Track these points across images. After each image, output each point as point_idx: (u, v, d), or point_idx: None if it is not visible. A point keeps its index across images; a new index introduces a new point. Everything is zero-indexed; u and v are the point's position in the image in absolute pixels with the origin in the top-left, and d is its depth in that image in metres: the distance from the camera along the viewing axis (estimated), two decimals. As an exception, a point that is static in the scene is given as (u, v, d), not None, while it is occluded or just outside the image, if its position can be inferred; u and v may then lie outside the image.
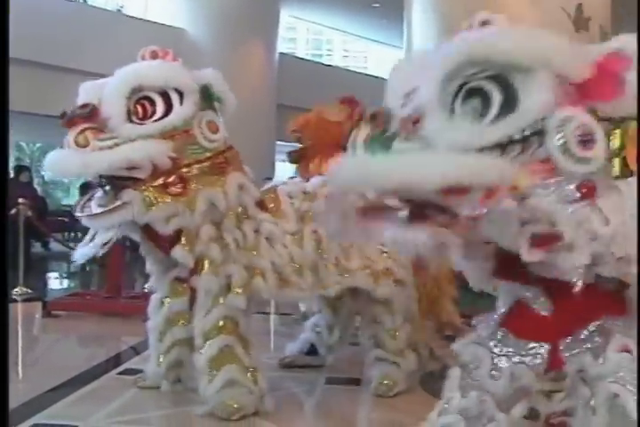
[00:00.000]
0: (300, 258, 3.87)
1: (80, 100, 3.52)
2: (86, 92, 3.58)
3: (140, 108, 3.51)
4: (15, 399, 3.95)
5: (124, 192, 3.47)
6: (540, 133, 1.91)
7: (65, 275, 11.74)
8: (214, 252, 3.66)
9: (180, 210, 3.54)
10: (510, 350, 2.34)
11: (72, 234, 16.39)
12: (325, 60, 25.29)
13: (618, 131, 8.06)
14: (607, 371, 2.19)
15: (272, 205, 3.96)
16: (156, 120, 3.50)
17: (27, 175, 11.87)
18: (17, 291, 8.10)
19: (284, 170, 25.67)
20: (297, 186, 4.13)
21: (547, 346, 2.27)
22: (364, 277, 4.05)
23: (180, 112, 3.55)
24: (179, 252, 3.65)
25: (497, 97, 1.87)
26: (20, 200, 8.69)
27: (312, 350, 4.82)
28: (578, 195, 1.99)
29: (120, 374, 4.70)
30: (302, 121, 4.87)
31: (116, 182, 3.51)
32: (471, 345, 2.49)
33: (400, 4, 12.61)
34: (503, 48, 1.87)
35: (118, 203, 3.46)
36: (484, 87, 1.89)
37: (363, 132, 1.86)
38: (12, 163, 18.65)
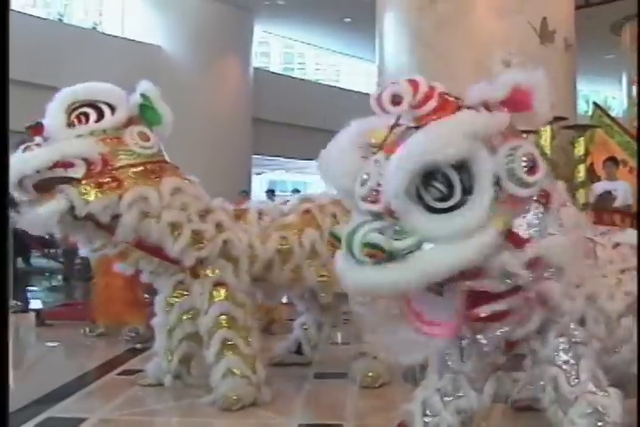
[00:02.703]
0: (261, 251, 4.27)
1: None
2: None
3: (76, 120, 3.94)
4: (26, 397, 4.27)
5: (61, 187, 3.79)
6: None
7: (49, 288, 11.94)
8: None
9: (115, 201, 3.86)
10: (475, 335, 2.68)
11: (53, 250, 16.48)
12: (298, 74, 25.57)
13: (582, 138, 8.56)
14: (548, 354, 2.59)
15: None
16: (85, 125, 3.94)
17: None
18: (7, 303, 8.32)
19: (260, 183, 25.99)
20: (275, 208, 4.59)
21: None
22: None
23: (109, 119, 3.98)
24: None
25: (455, 178, 2.18)
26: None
27: (299, 349, 5.13)
28: (541, 207, 2.35)
29: (119, 374, 5.00)
30: None
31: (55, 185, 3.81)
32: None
33: (372, 19, 12.91)
34: (444, 152, 2.15)
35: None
36: (444, 171, 2.18)
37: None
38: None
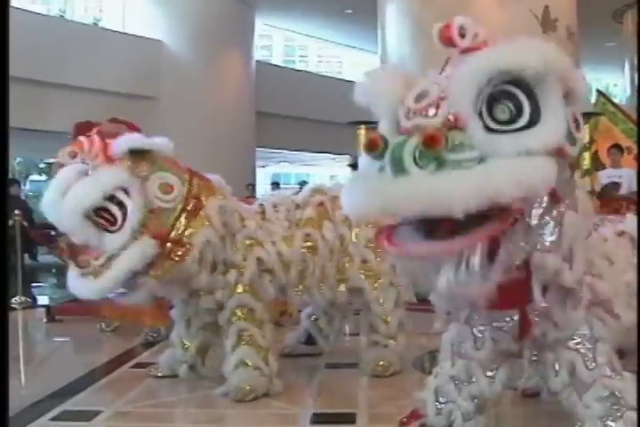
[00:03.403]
0: (289, 255, 4.31)
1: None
2: None
3: (102, 220, 3.74)
4: (39, 392, 4.32)
5: (141, 284, 3.85)
6: None
7: (57, 284, 12.02)
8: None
9: (191, 270, 3.97)
10: (490, 322, 2.70)
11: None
12: (300, 66, 25.58)
13: (586, 126, 8.63)
14: (566, 336, 2.60)
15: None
16: (122, 224, 3.73)
17: (16, 188, 12.07)
18: (16, 299, 8.37)
19: (264, 176, 26.03)
20: (287, 200, 4.60)
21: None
22: (361, 279, 4.54)
23: (133, 208, 3.75)
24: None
25: (525, 102, 2.10)
26: (16, 212, 8.95)
27: (309, 340, 5.17)
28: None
29: (133, 367, 5.04)
30: None
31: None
32: (455, 325, 2.88)
33: (373, 10, 12.93)
34: (523, 60, 2.08)
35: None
36: (510, 91, 2.10)
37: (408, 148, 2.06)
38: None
